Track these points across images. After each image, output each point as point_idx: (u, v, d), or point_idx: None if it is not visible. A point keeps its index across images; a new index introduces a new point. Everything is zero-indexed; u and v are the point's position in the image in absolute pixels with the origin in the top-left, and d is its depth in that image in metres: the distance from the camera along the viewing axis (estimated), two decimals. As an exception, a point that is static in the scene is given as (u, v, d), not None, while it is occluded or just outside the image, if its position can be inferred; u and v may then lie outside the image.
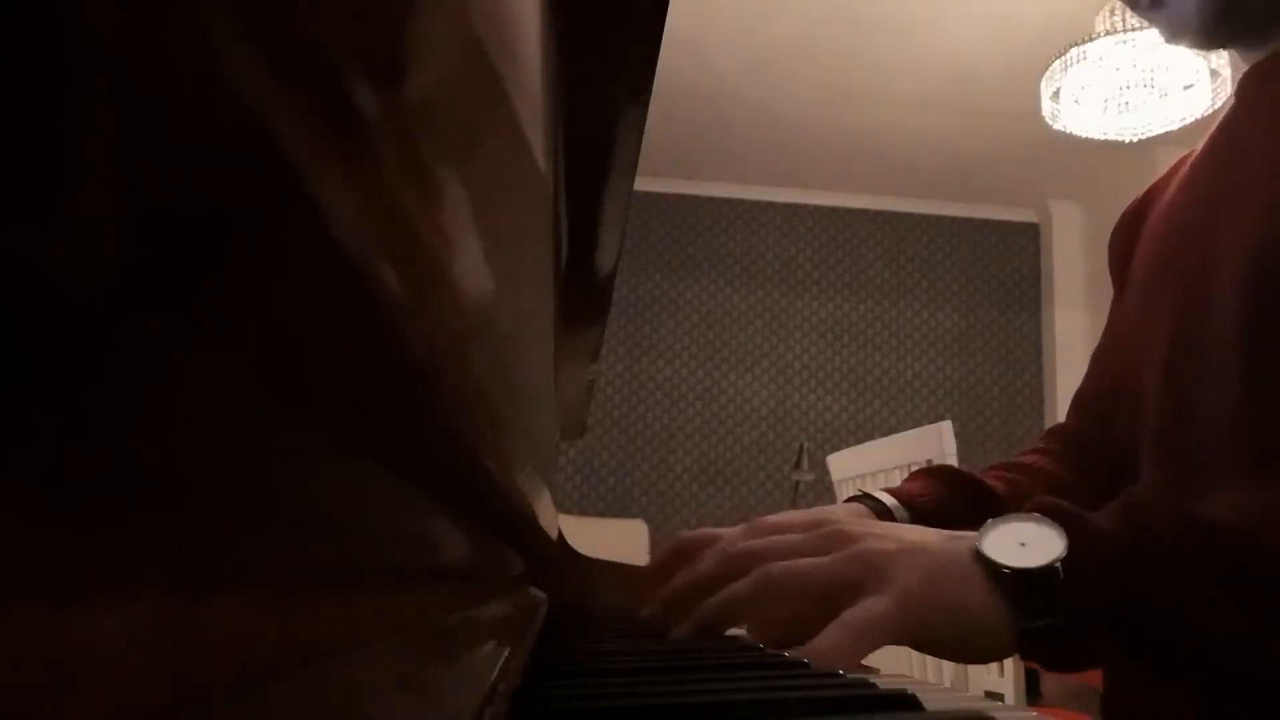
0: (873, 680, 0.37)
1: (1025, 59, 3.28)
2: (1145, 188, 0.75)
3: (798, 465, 4.04)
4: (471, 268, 0.21)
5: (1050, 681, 3.24)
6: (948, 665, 1.59)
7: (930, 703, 0.31)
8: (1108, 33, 2.67)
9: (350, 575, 0.28)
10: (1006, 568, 0.43)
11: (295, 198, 0.12)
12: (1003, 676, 1.78)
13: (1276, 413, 0.51)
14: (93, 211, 0.10)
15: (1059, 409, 4.34)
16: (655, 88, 0.62)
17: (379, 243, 0.14)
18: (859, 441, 2.35)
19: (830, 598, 0.45)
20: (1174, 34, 0.63)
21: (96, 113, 0.09)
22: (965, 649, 0.44)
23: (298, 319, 0.15)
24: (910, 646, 0.45)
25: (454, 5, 0.17)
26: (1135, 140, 2.84)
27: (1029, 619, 0.42)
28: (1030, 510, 0.45)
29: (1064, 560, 0.42)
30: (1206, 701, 0.50)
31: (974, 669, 1.55)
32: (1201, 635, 0.41)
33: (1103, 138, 2.99)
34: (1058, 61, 2.81)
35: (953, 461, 1.62)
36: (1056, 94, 2.91)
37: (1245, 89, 0.62)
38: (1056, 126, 3.03)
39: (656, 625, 0.54)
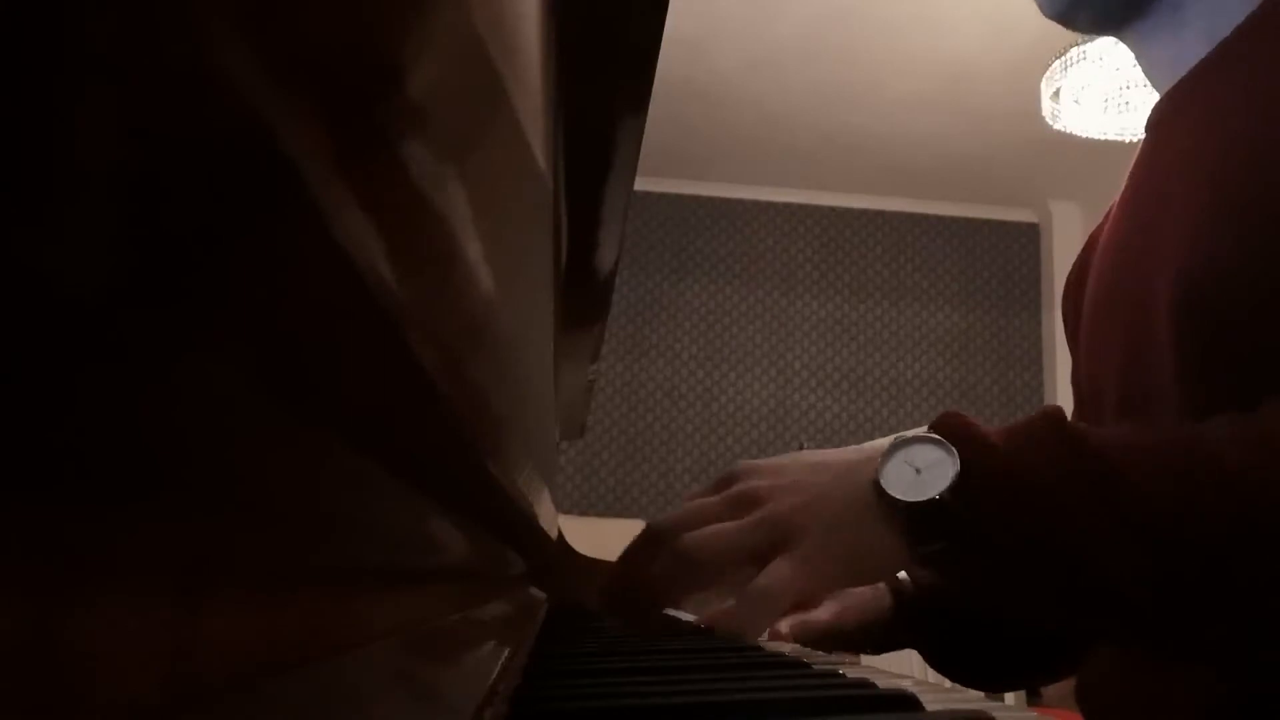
0: (873, 680, 0.37)
1: (1025, 59, 3.28)
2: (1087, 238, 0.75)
3: (798, 465, 4.03)
4: (472, 268, 0.21)
5: (1050, 681, 3.23)
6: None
7: (930, 703, 0.31)
8: (1108, 33, 2.67)
9: (351, 575, 0.28)
10: (899, 502, 0.46)
11: (295, 198, 0.12)
12: (1003, 676, 1.78)
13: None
14: (95, 213, 0.10)
15: (1059, 409, 4.34)
16: (655, 88, 0.62)
17: (379, 243, 0.14)
18: (859, 441, 2.35)
19: (741, 564, 0.48)
20: (1051, 12, 0.64)
21: (99, 115, 0.09)
22: (863, 578, 0.49)
23: (297, 320, 0.15)
24: (814, 593, 0.47)
25: (455, 6, 0.17)
26: (1135, 140, 2.84)
27: (920, 546, 0.46)
28: (934, 427, 0.48)
29: (951, 489, 0.45)
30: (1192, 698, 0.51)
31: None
32: (1078, 566, 0.43)
33: (1103, 138, 2.99)
34: (1058, 61, 2.81)
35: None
36: (1056, 94, 2.91)
37: (1157, 123, 0.62)
38: (1056, 126, 3.03)
39: (611, 619, 0.58)
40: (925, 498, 0.45)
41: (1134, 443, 0.44)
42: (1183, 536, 0.42)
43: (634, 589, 0.52)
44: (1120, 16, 0.63)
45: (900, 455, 0.47)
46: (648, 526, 0.53)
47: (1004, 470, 0.44)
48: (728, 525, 0.49)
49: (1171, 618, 0.43)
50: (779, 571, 0.46)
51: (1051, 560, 0.43)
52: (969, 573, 0.46)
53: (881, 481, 0.46)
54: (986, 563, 0.45)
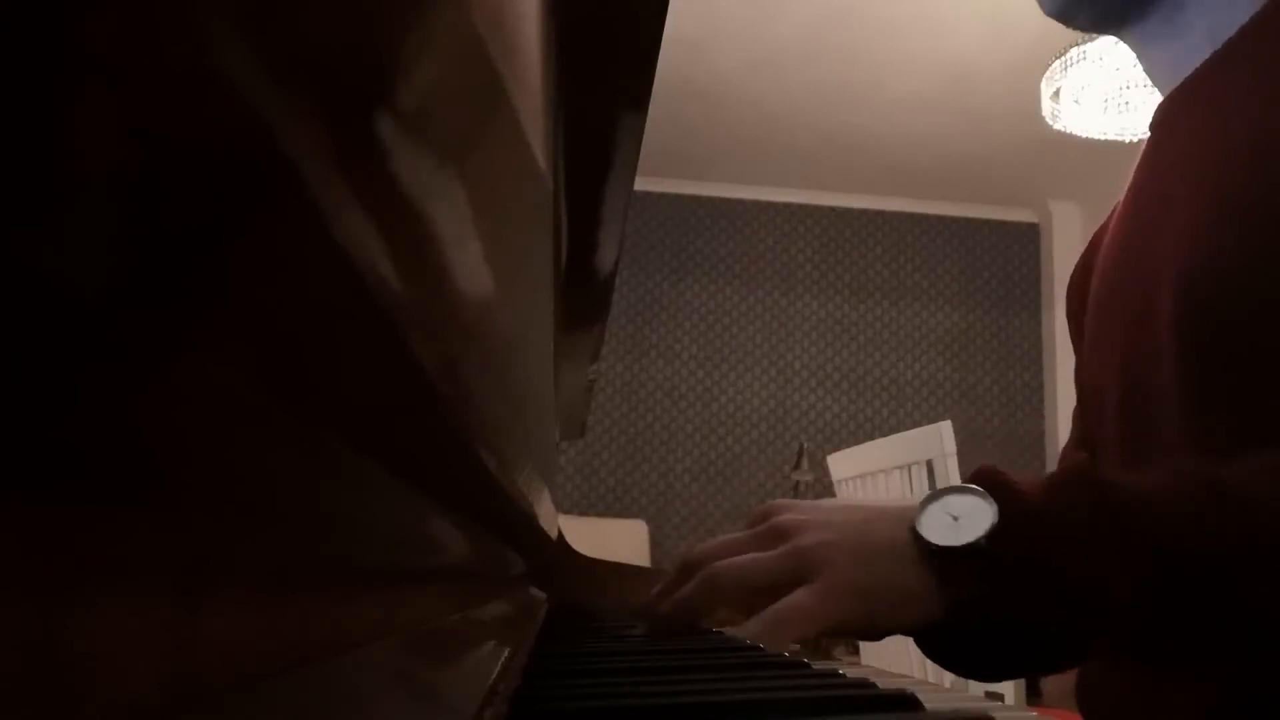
0: (873, 680, 0.37)
1: (1025, 59, 3.28)
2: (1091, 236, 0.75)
3: (798, 465, 4.04)
4: (472, 268, 0.21)
5: (1050, 681, 3.24)
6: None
7: (930, 703, 0.31)
8: (1108, 33, 2.67)
9: (351, 575, 0.28)
10: (934, 545, 0.46)
11: (294, 199, 0.12)
12: (1003, 676, 1.78)
13: (1209, 448, 0.52)
14: (95, 213, 0.10)
15: (1059, 409, 4.35)
16: (655, 88, 0.62)
17: (378, 243, 0.14)
18: (859, 441, 2.35)
19: (767, 592, 0.48)
20: (1051, 9, 0.64)
21: (99, 115, 0.09)
22: (880, 618, 0.48)
23: (297, 320, 0.15)
24: (834, 633, 0.49)
25: (455, 6, 0.17)
26: (1135, 140, 2.85)
27: (956, 591, 0.46)
28: (969, 480, 0.48)
29: (988, 537, 0.45)
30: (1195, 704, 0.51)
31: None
32: (1115, 609, 0.44)
33: (1103, 138, 2.99)
34: (1058, 61, 2.81)
35: (952, 462, 1.61)
36: (1056, 94, 2.91)
37: (1159, 124, 0.62)
38: (1056, 126, 3.03)
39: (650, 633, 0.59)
40: (964, 542, 0.45)
41: (1155, 484, 0.45)
42: (1183, 547, 0.43)
43: (667, 612, 0.53)
44: (1120, 15, 0.63)
45: (937, 504, 0.48)
46: (682, 557, 0.55)
47: (1039, 517, 0.45)
48: (754, 555, 0.50)
49: (1176, 627, 0.44)
50: (798, 599, 0.47)
51: (1077, 596, 0.44)
52: (999, 615, 0.46)
53: (919, 527, 0.47)
54: (1018, 605, 0.45)
